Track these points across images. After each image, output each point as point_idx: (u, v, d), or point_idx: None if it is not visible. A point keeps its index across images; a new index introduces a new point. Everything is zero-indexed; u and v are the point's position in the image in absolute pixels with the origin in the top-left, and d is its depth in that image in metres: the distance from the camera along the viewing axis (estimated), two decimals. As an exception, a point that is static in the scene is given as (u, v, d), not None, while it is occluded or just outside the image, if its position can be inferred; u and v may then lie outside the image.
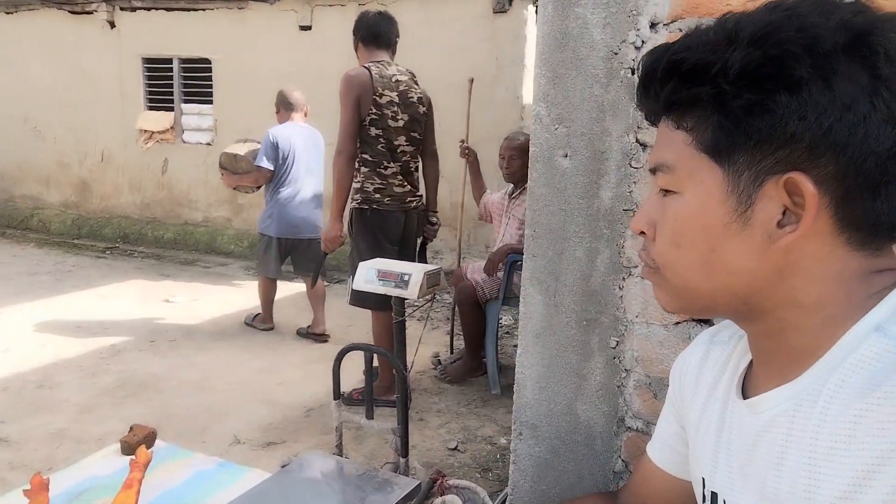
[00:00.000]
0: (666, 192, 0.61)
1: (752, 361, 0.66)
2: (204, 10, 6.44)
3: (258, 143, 4.08)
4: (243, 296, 4.97)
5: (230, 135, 5.83)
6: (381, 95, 2.90)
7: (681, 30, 1.01)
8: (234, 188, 4.30)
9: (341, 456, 1.72)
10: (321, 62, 5.77)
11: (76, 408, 3.01)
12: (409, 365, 2.31)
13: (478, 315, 3.34)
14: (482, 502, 1.27)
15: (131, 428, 1.18)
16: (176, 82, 6.76)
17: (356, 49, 3.09)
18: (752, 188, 0.55)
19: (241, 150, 4.15)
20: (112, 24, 6.88)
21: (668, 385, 0.82)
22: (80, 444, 2.66)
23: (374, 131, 2.94)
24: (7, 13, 7.34)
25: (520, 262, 2.98)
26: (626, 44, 1.05)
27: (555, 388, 1.18)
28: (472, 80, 3.80)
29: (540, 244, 1.17)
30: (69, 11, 7.02)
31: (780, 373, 0.59)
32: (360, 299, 2.85)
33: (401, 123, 2.99)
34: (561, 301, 1.16)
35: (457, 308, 3.53)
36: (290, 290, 4.92)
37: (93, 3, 6.82)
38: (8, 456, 2.56)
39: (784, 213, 0.54)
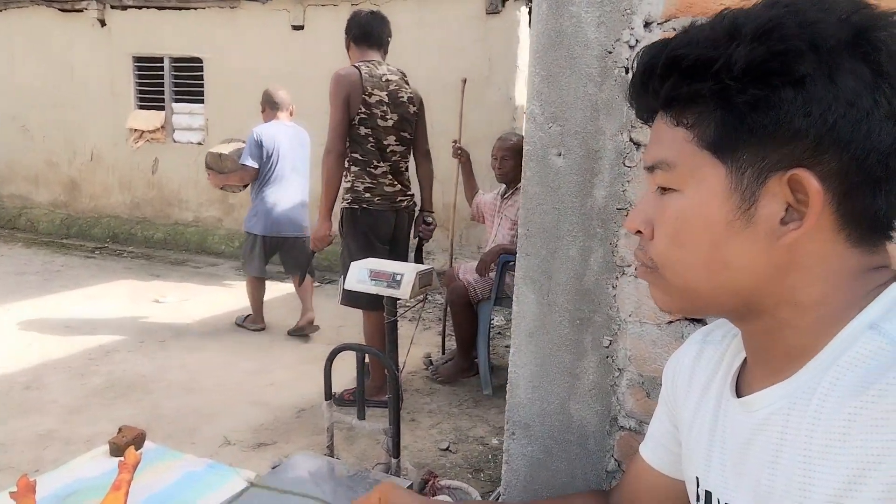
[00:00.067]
0: (664, 190, 0.60)
1: (745, 360, 0.66)
2: (195, 8, 6.40)
3: (243, 142, 4.08)
4: (234, 296, 4.94)
5: (221, 134, 5.79)
6: (370, 94, 2.90)
7: (675, 29, 1.01)
8: (221, 188, 4.29)
9: (332, 457, 1.71)
10: (313, 62, 5.75)
11: (64, 409, 2.99)
12: (400, 365, 2.31)
13: (470, 315, 3.34)
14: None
15: (120, 429, 1.17)
16: (167, 81, 6.71)
17: (348, 48, 3.09)
18: (756, 185, 0.54)
19: (226, 149, 4.15)
20: (102, 23, 6.83)
21: (661, 384, 0.82)
22: (68, 445, 2.64)
23: (363, 130, 2.94)
24: (-4, 10, 7.29)
25: (512, 263, 2.98)
26: (621, 42, 1.05)
27: (548, 387, 1.18)
28: (464, 81, 3.81)
29: (533, 243, 1.16)
30: (59, 9, 6.96)
31: (774, 371, 0.59)
32: (352, 299, 2.84)
33: (390, 123, 2.99)
34: (554, 300, 1.15)
35: (449, 308, 3.52)
36: (280, 290, 4.90)
37: (83, 0, 6.77)
38: (-6, 457, 2.53)
39: (787, 209, 0.54)
